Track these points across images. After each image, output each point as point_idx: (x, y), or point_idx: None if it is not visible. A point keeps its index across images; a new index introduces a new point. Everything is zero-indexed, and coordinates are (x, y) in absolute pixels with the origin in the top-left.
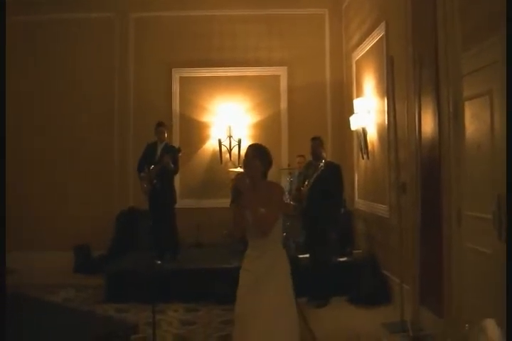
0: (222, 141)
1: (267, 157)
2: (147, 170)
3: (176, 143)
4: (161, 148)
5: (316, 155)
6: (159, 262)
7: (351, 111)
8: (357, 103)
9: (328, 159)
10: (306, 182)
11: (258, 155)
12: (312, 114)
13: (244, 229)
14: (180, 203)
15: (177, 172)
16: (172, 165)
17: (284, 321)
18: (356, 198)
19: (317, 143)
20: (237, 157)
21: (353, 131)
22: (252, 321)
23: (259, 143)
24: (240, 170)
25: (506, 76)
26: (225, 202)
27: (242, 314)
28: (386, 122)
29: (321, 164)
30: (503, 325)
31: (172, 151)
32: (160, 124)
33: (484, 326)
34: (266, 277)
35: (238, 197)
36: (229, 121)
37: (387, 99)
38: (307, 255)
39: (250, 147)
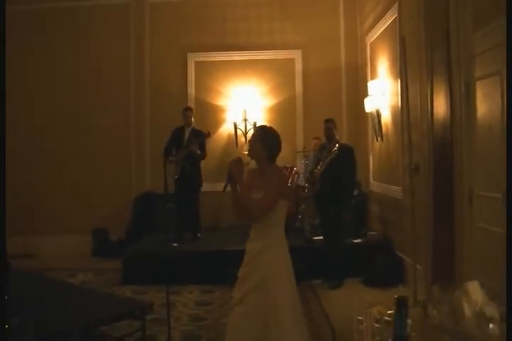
0: (237, 124)
1: (271, 141)
2: (175, 154)
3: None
4: (189, 132)
5: (329, 137)
6: (175, 244)
7: (366, 94)
8: (371, 85)
9: (343, 141)
10: (320, 165)
11: (261, 138)
12: (327, 97)
13: (245, 213)
14: None
15: (204, 158)
16: (199, 151)
17: (276, 308)
18: (371, 180)
19: (330, 124)
20: None
21: (367, 113)
22: (239, 306)
23: (269, 125)
24: None
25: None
26: None
27: (233, 298)
28: (400, 104)
29: (335, 147)
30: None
31: (200, 136)
32: (187, 109)
33: (467, 288)
34: (254, 260)
35: (230, 181)
36: (244, 104)
37: (400, 81)
38: (321, 237)
39: (256, 129)
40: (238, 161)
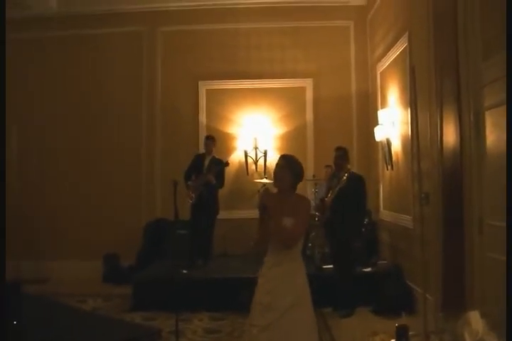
0: (248, 152)
1: (297, 169)
2: (194, 179)
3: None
4: (209, 160)
5: (339, 166)
6: (185, 271)
7: (376, 123)
8: (381, 114)
9: (354, 170)
10: (330, 193)
11: (288, 166)
12: (337, 126)
13: (268, 242)
14: None
15: (222, 186)
16: (214, 181)
17: (302, 333)
18: (381, 209)
19: (340, 153)
20: (263, 168)
21: (377, 142)
22: (265, 333)
23: (291, 154)
24: (265, 181)
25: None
26: (252, 213)
27: (255, 325)
28: (409, 133)
29: (344, 175)
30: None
31: (220, 164)
32: (209, 138)
33: (468, 318)
34: (282, 285)
35: (263, 212)
36: (255, 132)
37: (410, 110)
38: (332, 265)
39: (281, 157)
40: (268, 190)
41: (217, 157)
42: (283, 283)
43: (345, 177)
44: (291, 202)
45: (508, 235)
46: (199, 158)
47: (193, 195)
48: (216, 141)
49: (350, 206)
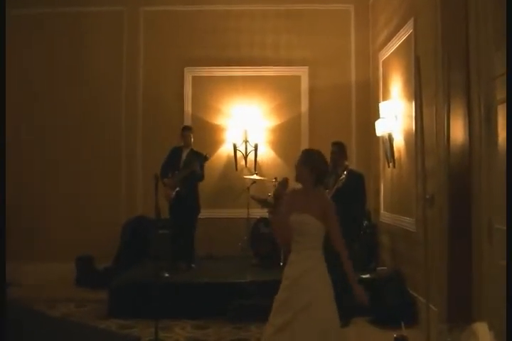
0: (237, 145)
1: (318, 163)
2: (171, 176)
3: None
4: (187, 153)
5: (336, 162)
6: (167, 275)
7: (377, 116)
8: (383, 107)
9: (352, 167)
10: (327, 192)
11: (308, 160)
12: (335, 118)
13: (286, 235)
14: None
15: (202, 180)
16: (200, 172)
17: (318, 334)
18: (382, 210)
19: (337, 148)
20: (253, 163)
21: (378, 137)
22: (281, 334)
23: (317, 149)
24: (256, 177)
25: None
26: (241, 212)
27: (272, 324)
28: (413, 128)
29: (343, 172)
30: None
31: (199, 158)
32: (186, 128)
33: (475, 330)
34: (299, 283)
35: (276, 203)
36: (245, 124)
37: (415, 103)
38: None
39: (302, 152)
40: (284, 182)
41: (195, 150)
42: (300, 281)
43: (343, 175)
44: (310, 198)
45: (508, 235)
46: (176, 152)
47: (172, 193)
48: (194, 132)
49: (347, 206)
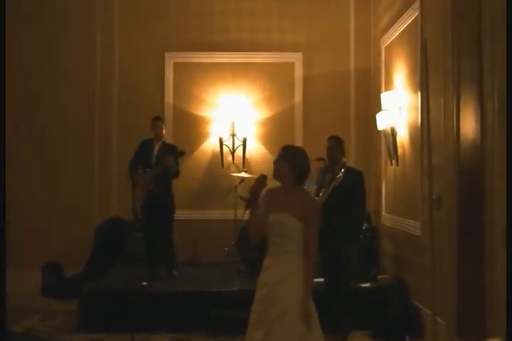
0: (223, 140)
1: (298, 160)
2: (142, 173)
3: (169, 141)
4: (159, 147)
5: (333, 159)
6: (145, 283)
7: (379, 108)
8: (385, 97)
9: (351, 164)
10: (322, 192)
11: (287, 156)
12: (332, 110)
13: (262, 229)
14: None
15: (177, 177)
16: (175, 167)
17: None
18: (383, 212)
19: (334, 143)
20: (241, 159)
21: (380, 131)
22: None
23: (298, 146)
24: (244, 175)
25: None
26: (227, 213)
27: (251, 338)
28: (419, 121)
29: (340, 170)
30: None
31: (173, 152)
32: (157, 119)
33: None
34: (274, 291)
35: (252, 200)
36: (232, 116)
37: (421, 93)
38: (322, 279)
39: (282, 147)
40: (261, 179)
41: (168, 142)
42: (278, 288)
43: (340, 173)
44: (290, 197)
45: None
46: (146, 145)
47: (143, 193)
48: (164, 121)
49: (345, 207)
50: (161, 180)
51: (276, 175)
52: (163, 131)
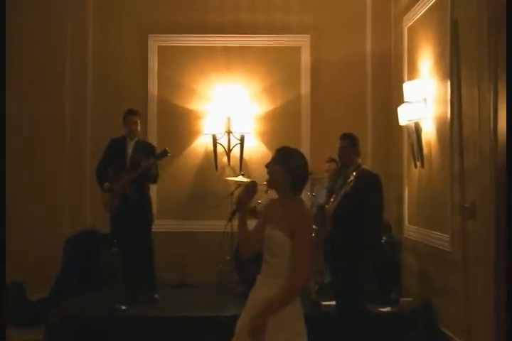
0: (217, 138)
1: (296, 163)
2: (114, 178)
3: (153, 140)
4: (133, 146)
5: (345, 160)
6: (124, 307)
7: (401, 100)
8: (408, 87)
9: (367, 166)
10: (333, 198)
11: (282, 159)
12: (345, 103)
13: (251, 245)
14: (158, 225)
15: (156, 181)
16: (155, 171)
17: None
18: (406, 223)
19: (348, 142)
20: (238, 161)
21: (402, 127)
22: None
23: (294, 147)
24: (242, 179)
25: None
26: (221, 224)
27: None
28: (449, 115)
29: (353, 173)
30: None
31: (151, 152)
32: (131, 112)
33: None
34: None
35: (237, 210)
36: (228, 110)
37: (451, 83)
38: (333, 302)
39: (276, 150)
40: (251, 186)
41: (143, 140)
42: (245, 315)
43: (353, 177)
44: (284, 209)
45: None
46: (118, 145)
47: (116, 202)
48: (141, 116)
49: (358, 217)
50: (138, 184)
51: (271, 181)
52: (138, 128)
